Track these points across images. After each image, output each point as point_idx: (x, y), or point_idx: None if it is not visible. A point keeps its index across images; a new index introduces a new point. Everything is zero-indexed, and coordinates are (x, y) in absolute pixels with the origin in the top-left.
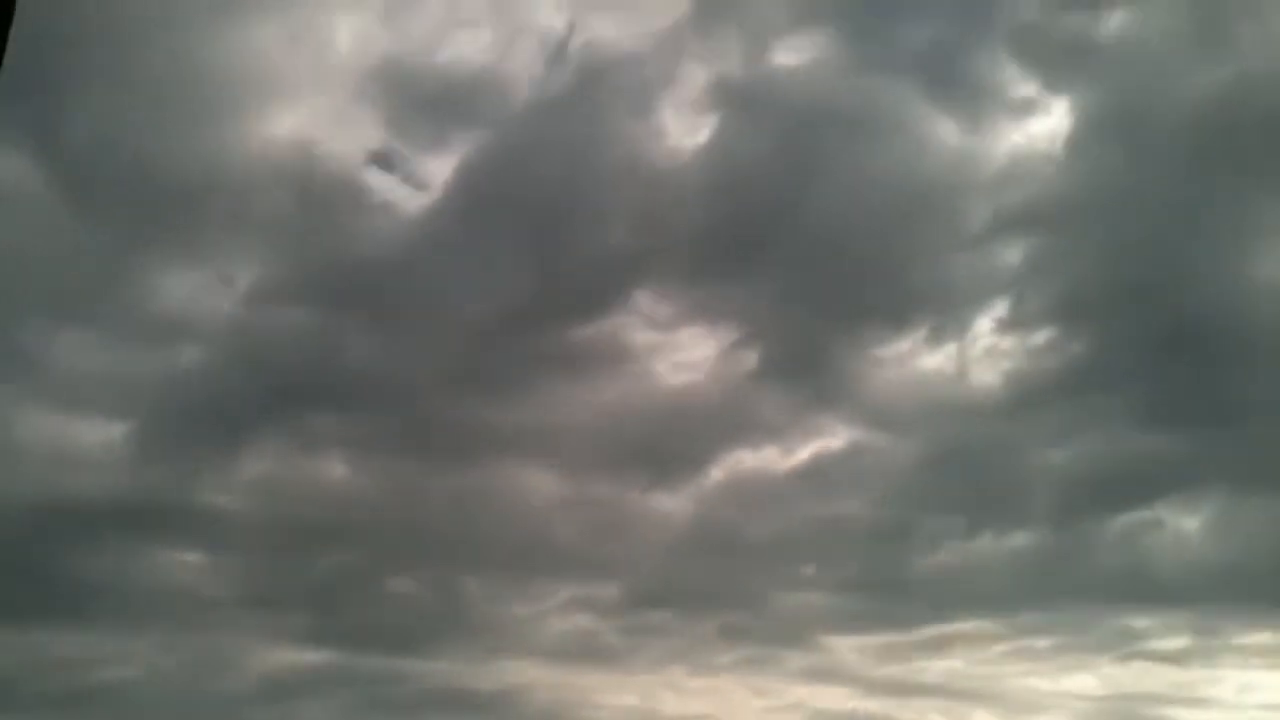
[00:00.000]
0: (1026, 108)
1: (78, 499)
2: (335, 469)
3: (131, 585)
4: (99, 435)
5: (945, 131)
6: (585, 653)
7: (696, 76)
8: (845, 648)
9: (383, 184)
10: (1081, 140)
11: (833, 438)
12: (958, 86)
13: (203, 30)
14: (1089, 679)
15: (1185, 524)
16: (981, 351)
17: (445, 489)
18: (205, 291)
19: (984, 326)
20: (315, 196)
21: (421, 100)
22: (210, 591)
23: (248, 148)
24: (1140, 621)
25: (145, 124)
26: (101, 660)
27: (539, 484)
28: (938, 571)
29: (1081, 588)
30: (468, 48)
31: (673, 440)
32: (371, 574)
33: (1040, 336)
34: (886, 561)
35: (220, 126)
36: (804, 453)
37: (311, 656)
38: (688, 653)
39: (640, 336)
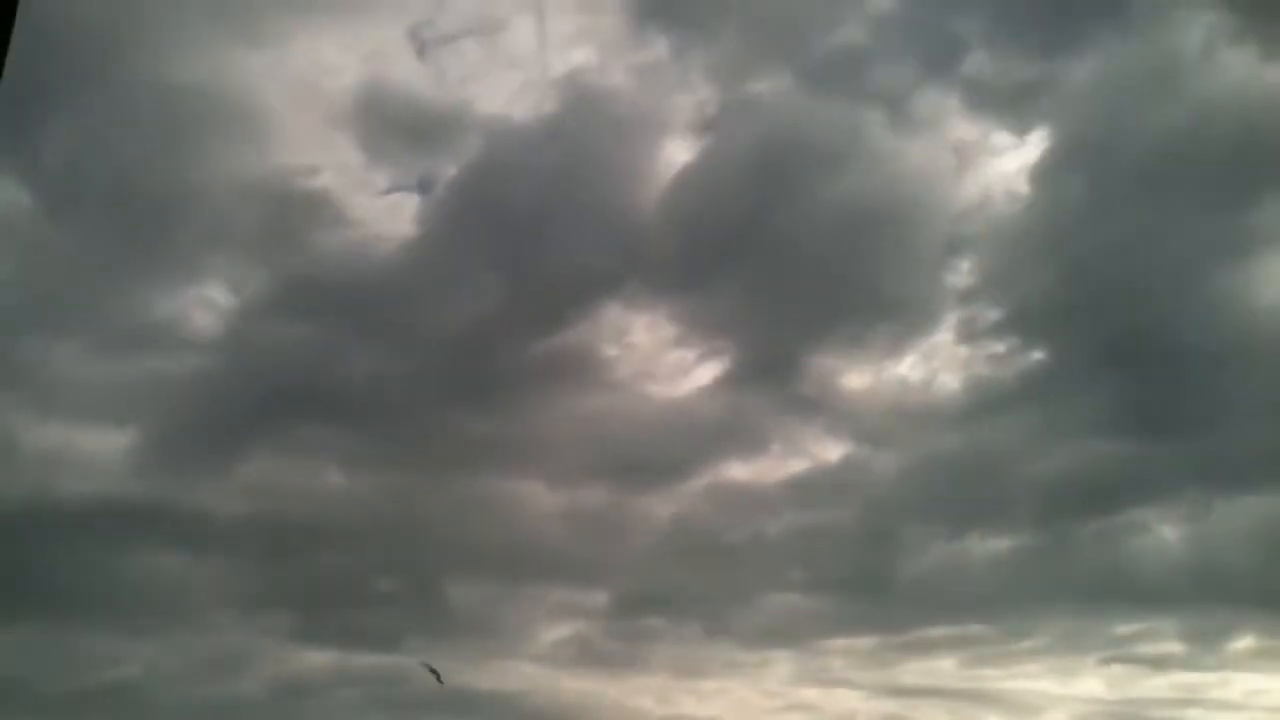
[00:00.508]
0: (994, 141)
1: (79, 503)
2: (330, 478)
3: (132, 587)
4: (102, 443)
5: (914, 159)
6: (584, 657)
7: (677, 107)
8: (844, 650)
9: (373, 204)
10: (1043, 171)
11: (811, 446)
12: (922, 119)
13: (193, 55)
14: (1094, 683)
15: (1166, 528)
16: (955, 363)
17: (437, 496)
18: (199, 307)
19: (953, 339)
20: (305, 215)
21: (413, 125)
22: (212, 594)
23: (239, 169)
24: (1139, 625)
25: (140, 145)
26: (103, 661)
27: (533, 493)
28: (934, 576)
29: (1074, 591)
30: (459, 77)
31: (657, 449)
32: (368, 578)
33: (1018, 351)
34: (875, 567)
35: (218, 149)
36: (782, 460)
37: (311, 657)
38: (685, 656)
39: (625, 350)
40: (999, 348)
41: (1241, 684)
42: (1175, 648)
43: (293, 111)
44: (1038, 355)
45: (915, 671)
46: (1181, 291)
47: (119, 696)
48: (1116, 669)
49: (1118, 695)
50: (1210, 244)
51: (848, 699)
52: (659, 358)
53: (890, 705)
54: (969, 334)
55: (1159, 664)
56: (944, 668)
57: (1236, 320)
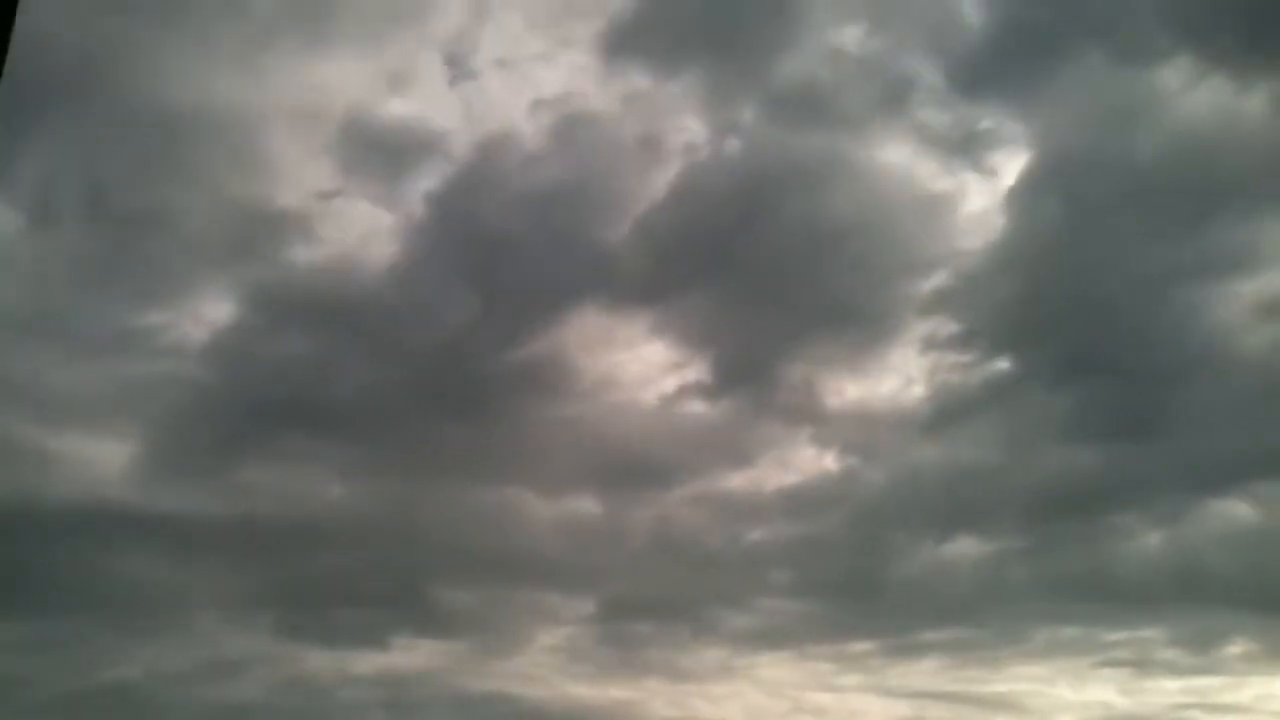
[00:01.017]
0: (968, 166)
1: (77, 507)
2: (321, 485)
3: (132, 590)
4: (101, 450)
5: (887, 181)
6: (582, 659)
7: (654, 133)
8: (836, 655)
9: (360, 222)
10: (1017, 195)
11: (795, 454)
12: (892, 144)
13: (192, 76)
14: (1100, 687)
15: (1151, 532)
16: (934, 373)
17: (430, 504)
18: (192, 322)
19: (931, 350)
20: (292, 233)
21: (399, 147)
22: (211, 597)
23: (227, 188)
24: (1135, 629)
25: (133, 163)
26: (103, 661)
27: (523, 500)
28: (928, 582)
29: (1075, 596)
30: (447, 102)
31: (641, 458)
32: (364, 581)
33: (992, 362)
34: (867, 573)
35: (210, 169)
36: (767, 469)
37: (308, 658)
38: (685, 660)
39: (608, 362)
40: (975, 359)
41: (1247, 688)
42: (1174, 652)
43: (285, 133)
44: (1008, 366)
45: (917, 676)
46: (1152, 308)
47: (119, 697)
48: (1118, 673)
49: (1124, 699)
50: (1176, 265)
51: (856, 702)
52: (642, 369)
53: (899, 708)
54: (944, 345)
55: (1161, 668)
56: (948, 673)
57: (1199, 335)
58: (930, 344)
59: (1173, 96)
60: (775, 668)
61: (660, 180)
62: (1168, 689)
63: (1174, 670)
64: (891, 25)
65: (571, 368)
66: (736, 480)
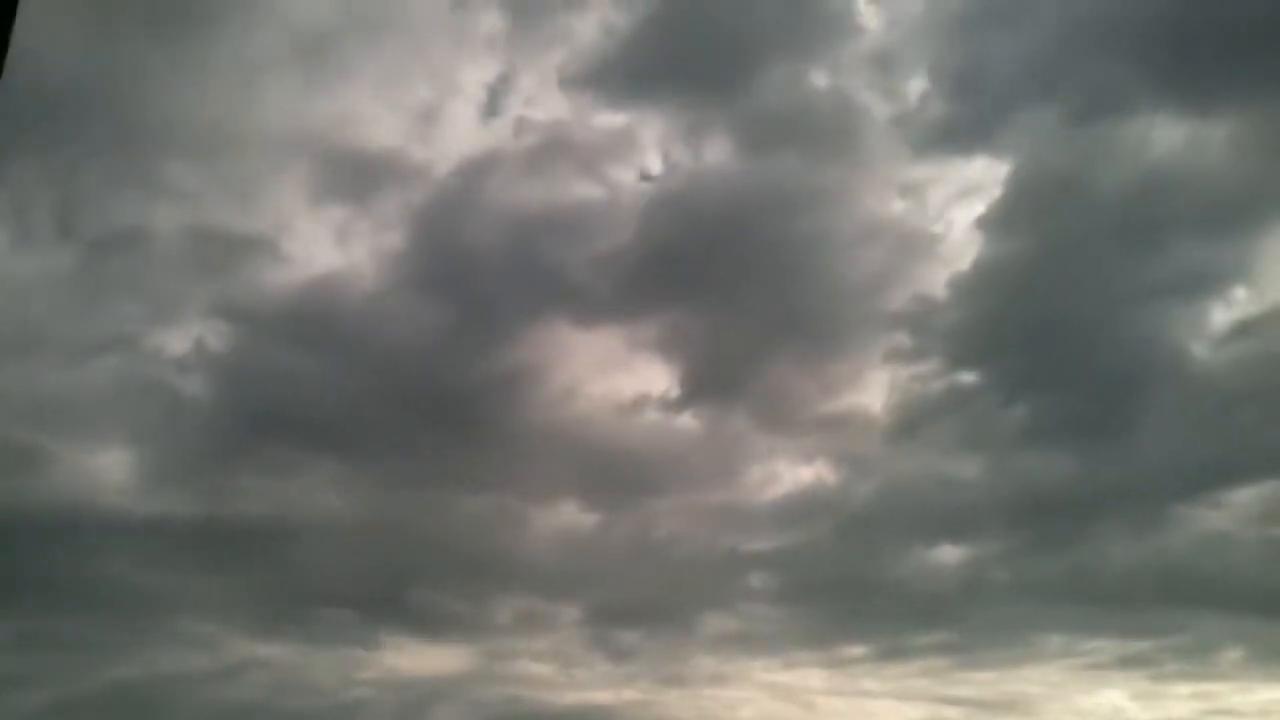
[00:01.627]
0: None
1: (76, 512)
2: (310, 494)
3: (132, 592)
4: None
5: (862, 202)
6: (582, 662)
7: (631, 158)
8: (826, 661)
9: (343, 244)
10: (991, 220)
11: (778, 465)
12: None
13: (162, 93)
14: (1108, 692)
15: (1139, 538)
16: (912, 386)
17: (424, 514)
18: (190, 341)
19: (905, 364)
20: (269, 255)
21: (376, 168)
22: (209, 600)
23: (208, 209)
24: (1133, 634)
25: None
26: (103, 662)
27: (514, 509)
28: (926, 588)
29: (1063, 601)
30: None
31: (626, 469)
32: (360, 586)
33: (963, 375)
34: (860, 579)
35: (196, 190)
36: (752, 479)
37: (302, 659)
38: (689, 664)
39: (591, 374)
40: (946, 371)
41: (1251, 694)
42: (1170, 657)
43: (269, 157)
44: (987, 378)
45: (914, 679)
46: (1125, 327)
47: (119, 697)
48: (1114, 676)
49: (1130, 704)
50: (1145, 287)
51: (868, 706)
52: (624, 382)
53: (908, 711)
54: (921, 357)
55: (1159, 673)
56: (945, 675)
57: (1163, 352)
58: (906, 356)
59: (1138, 134)
60: (768, 673)
61: (650, 202)
62: (1175, 693)
63: (1170, 675)
64: (859, 61)
65: (556, 381)
66: (718, 489)
